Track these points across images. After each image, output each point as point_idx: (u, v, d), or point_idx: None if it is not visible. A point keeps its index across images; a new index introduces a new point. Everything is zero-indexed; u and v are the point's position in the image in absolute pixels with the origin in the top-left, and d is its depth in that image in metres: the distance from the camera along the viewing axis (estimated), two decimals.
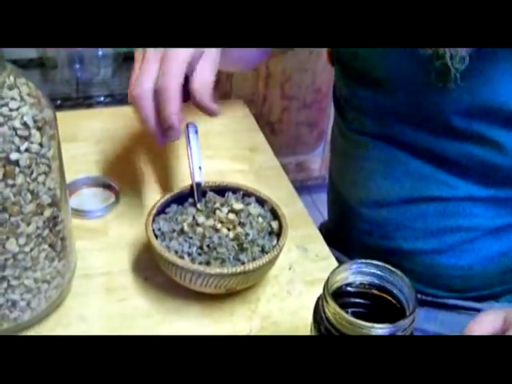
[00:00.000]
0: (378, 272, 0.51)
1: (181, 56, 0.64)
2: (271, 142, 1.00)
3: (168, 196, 0.70)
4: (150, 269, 0.69)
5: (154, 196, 0.80)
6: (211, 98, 0.67)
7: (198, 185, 0.71)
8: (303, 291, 0.69)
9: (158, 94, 0.63)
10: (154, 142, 0.67)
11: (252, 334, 0.63)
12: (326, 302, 0.48)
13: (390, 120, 0.80)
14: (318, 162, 2.19)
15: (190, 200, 0.70)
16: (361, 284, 0.52)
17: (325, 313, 0.48)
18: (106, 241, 0.74)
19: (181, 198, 0.70)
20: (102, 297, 0.66)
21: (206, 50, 0.67)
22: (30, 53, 1.89)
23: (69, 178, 0.66)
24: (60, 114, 0.58)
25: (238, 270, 0.59)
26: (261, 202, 0.70)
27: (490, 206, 0.78)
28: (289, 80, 1.93)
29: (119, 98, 1.94)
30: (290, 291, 0.69)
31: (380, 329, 0.46)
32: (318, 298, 0.51)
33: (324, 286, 0.49)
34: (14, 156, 0.49)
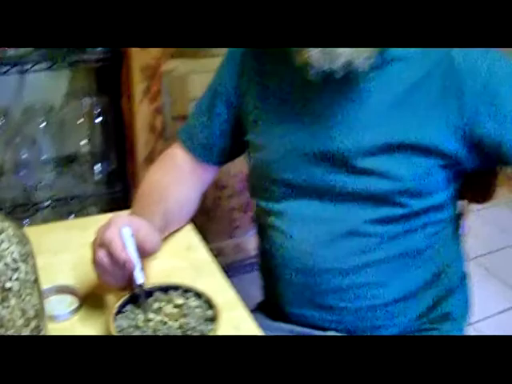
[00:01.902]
0: None
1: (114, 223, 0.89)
2: (209, 228, 1.18)
3: (124, 298, 0.87)
4: None
5: (112, 297, 0.96)
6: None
7: (141, 286, 0.87)
8: None
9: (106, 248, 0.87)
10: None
11: None
12: None
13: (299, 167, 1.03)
14: (253, 242, 2.37)
15: (143, 298, 0.87)
16: None
17: None
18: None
19: (135, 298, 0.88)
20: None
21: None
22: None
23: None
24: None
25: None
26: (198, 295, 0.88)
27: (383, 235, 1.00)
28: (221, 171, 2.13)
29: (63, 202, 2.08)
30: None
31: None
32: None
33: None
34: (8, 284, 0.66)
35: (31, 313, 0.70)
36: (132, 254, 0.86)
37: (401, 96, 0.97)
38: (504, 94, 0.94)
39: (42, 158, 2.13)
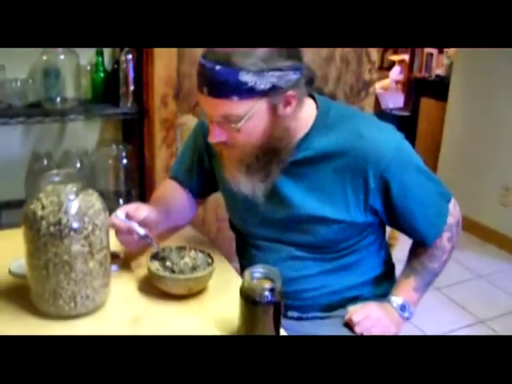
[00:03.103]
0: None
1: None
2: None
3: (154, 250, 1.35)
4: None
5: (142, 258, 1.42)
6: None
7: (146, 235, 1.35)
8: (223, 294, 1.32)
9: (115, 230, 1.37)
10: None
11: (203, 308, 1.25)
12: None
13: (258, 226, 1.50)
14: None
15: (167, 250, 1.35)
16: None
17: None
18: (122, 282, 1.36)
19: (156, 254, 1.35)
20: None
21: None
22: None
23: None
24: None
25: (193, 276, 1.25)
26: (202, 251, 1.37)
27: (316, 259, 1.46)
28: (220, 206, 2.57)
29: None
30: (219, 292, 1.32)
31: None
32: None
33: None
34: (96, 221, 1.14)
35: (104, 243, 1.18)
36: (128, 223, 1.35)
37: (319, 183, 1.37)
38: (395, 185, 1.33)
39: None
